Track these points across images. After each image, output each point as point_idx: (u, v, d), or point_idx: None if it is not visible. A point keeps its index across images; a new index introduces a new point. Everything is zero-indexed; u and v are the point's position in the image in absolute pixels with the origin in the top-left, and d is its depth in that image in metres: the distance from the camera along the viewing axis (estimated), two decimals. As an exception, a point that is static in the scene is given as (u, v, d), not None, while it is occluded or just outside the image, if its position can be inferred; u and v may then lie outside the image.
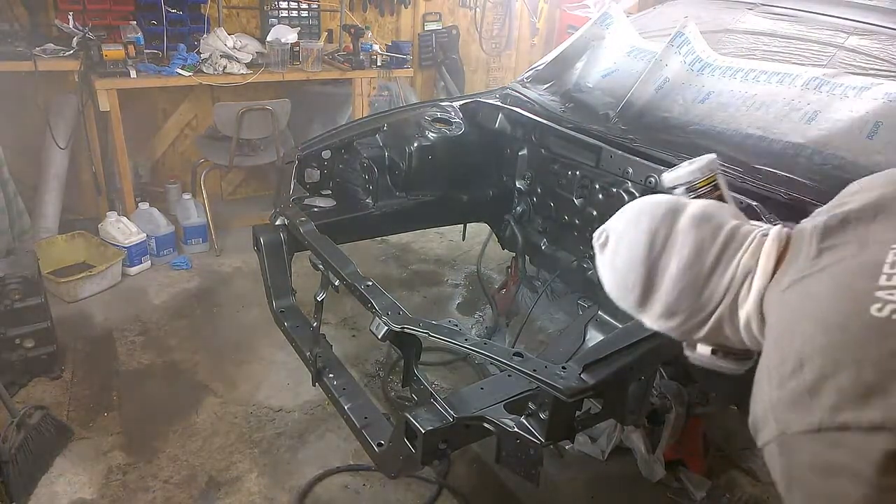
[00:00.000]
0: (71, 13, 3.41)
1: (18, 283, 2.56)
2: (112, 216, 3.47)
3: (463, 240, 3.03)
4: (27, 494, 2.10)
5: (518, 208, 2.59)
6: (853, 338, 0.69)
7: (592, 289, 2.18)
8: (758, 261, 0.87)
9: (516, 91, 2.55)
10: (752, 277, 0.87)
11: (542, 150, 2.38)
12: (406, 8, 4.69)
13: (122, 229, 3.43)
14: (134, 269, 3.46)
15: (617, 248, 0.97)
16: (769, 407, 0.73)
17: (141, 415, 2.49)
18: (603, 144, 2.08)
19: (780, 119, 1.81)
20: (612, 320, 1.74)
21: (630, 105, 2.12)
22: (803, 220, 0.86)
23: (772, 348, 0.79)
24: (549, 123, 2.28)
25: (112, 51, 3.29)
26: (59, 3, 3.46)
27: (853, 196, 0.84)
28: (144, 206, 3.64)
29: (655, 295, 0.94)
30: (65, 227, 3.56)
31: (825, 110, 1.74)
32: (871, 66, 1.88)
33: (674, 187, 1.22)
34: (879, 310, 0.68)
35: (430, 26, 4.84)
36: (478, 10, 5.05)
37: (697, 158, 1.21)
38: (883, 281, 0.70)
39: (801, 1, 2.29)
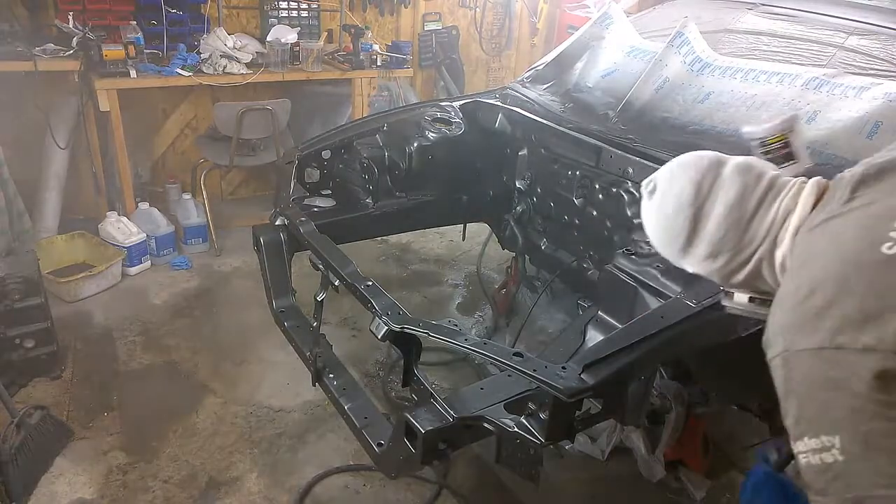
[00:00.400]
0: (71, 13, 3.41)
1: (18, 283, 2.56)
2: (112, 216, 3.47)
3: (463, 240, 3.03)
4: (27, 494, 2.10)
5: (518, 208, 2.59)
6: (862, 271, 0.77)
7: (592, 289, 2.18)
8: (797, 203, 0.96)
9: (516, 91, 2.55)
10: (791, 218, 0.95)
11: (542, 150, 2.38)
12: (406, 8, 4.69)
13: (122, 229, 3.43)
14: (134, 269, 3.47)
15: (665, 194, 1.05)
16: (779, 328, 0.83)
17: (141, 415, 2.49)
18: (603, 144, 2.08)
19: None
20: (612, 320, 1.74)
21: (630, 105, 2.12)
22: (844, 171, 0.93)
23: (789, 278, 0.88)
24: (549, 123, 2.27)
25: (112, 51, 3.29)
26: (59, 3, 3.45)
27: (893, 150, 0.91)
28: (144, 206, 3.64)
29: (701, 235, 1.02)
30: (65, 227, 3.56)
31: (825, 110, 1.74)
32: (871, 66, 1.88)
33: (748, 141, 1.29)
34: (889, 248, 0.76)
35: (430, 26, 4.83)
36: (478, 10, 5.05)
37: (781, 116, 1.26)
38: None
39: (801, 1, 2.29)
